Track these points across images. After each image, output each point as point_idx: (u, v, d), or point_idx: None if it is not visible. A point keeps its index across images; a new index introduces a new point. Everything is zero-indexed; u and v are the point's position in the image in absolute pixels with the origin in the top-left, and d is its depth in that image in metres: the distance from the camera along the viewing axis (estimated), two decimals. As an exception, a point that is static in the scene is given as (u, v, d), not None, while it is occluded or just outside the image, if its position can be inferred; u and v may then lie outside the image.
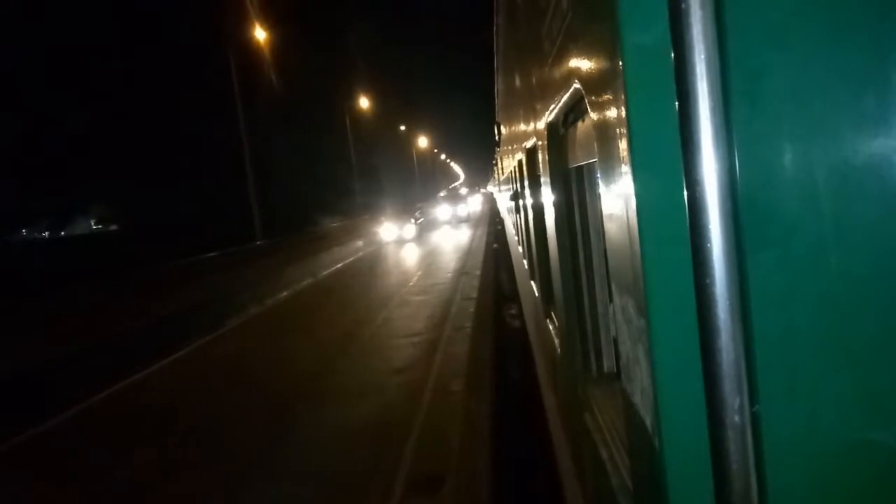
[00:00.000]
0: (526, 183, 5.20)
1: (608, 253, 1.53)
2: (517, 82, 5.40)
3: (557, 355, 3.46)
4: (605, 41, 1.26)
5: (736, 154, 1.01)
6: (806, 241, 1.04)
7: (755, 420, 0.95)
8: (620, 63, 1.12)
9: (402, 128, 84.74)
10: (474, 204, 55.69)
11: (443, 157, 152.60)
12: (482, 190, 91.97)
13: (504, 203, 16.66)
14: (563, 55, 2.00)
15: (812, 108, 1.03)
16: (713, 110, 0.92)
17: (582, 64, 1.61)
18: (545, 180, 3.09)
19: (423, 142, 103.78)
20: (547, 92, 2.62)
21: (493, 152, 24.01)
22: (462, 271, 18.94)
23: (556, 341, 3.54)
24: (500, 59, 9.38)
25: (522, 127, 4.97)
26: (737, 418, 0.93)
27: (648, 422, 1.22)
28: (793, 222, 1.04)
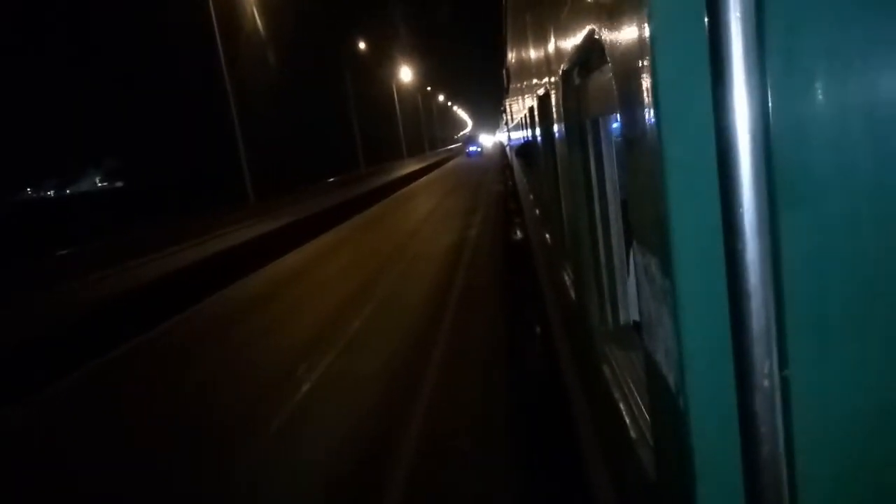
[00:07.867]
0: (538, 131, 5.11)
1: (630, 208, 1.49)
2: (527, 26, 5.24)
3: (573, 304, 3.46)
4: None
5: (770, 109, 0.97)
6: (840, 200, 1.00)
7: (784, 384, 0.94)
8: (646, 13, 1.06)
9: (363, 45, 58.38)
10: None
11: (441, 98, 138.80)
12: (491, 139, 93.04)
13: (513, 152, 17.54)
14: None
15: (849, 65, 0.98)
16: (747, 66, 0.87)
17: (602, 8, 1.54)
18: (559, 129, 3.02)
19: (406, 74, 79.98)
20: (561, 37, 2.53)
21: (503, 99, 23.67)
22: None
23: (571, 291, 3.54)
24: None
25: (534, 73, 4.83)
26: (766, 382, 0.91)
27: (672, 380, 1.21)
28: (827, 181, 1.00)
